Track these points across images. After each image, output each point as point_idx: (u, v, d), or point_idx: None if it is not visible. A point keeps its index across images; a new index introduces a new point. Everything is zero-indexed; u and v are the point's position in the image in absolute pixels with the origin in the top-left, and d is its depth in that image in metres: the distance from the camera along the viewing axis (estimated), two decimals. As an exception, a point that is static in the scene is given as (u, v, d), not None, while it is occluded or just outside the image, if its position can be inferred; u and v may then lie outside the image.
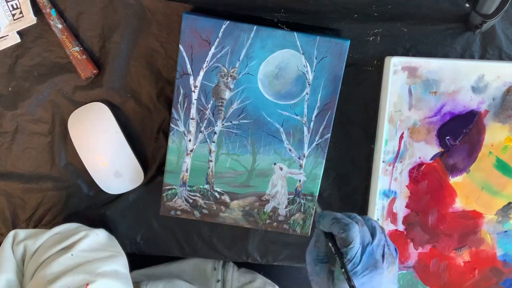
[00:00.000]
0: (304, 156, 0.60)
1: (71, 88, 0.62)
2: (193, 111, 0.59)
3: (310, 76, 0.58)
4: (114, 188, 0.63)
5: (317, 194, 0.62)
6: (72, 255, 0.52)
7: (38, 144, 0.63)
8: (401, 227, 0.64)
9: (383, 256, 0.46)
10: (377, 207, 0.63)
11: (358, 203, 0.65)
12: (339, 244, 0.46)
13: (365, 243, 0.46)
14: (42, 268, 0.51)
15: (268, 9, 0.58)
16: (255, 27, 0.56)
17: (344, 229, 0.45)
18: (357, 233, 0.45)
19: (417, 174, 0.62)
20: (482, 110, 0.60)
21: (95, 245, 0.56)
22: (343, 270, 0.44)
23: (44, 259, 0.52)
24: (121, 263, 0.55)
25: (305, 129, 0.59)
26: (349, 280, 0.43)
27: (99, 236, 0.58)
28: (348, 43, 0.57)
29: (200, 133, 0.60)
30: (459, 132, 0.61)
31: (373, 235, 0.47)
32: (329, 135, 0.60)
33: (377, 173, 0.62)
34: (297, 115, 0.59)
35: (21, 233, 0.56)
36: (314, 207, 0.61)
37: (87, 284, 0.49)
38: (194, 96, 0.58)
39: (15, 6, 0.58)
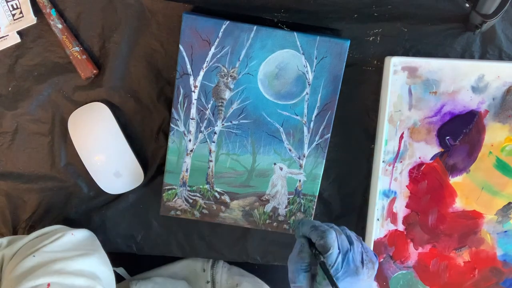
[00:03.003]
0: (304, 156, 0.60)
1: (71, 88, 0.62)
2: (193, 111, 0.59)
3: (310, 76, 0.58)
4: (114, 188, 0.63)
5: (317, 194, 0.62)
6: (34, 256, 0.52)
7: (38, 144, 0.63)
8: (401, 227, 0.64)
9: (362, 262, 0.49)
10: (377, 207, 0.63)
11: (358, 203, 0.65)
12: (321, 251, 0.48)
13: (345, 250, 0.48)
14: (9, 273, 0.51)
15: (268, 9, 0.58)
16: (255, 27, 0.56)
17: (321, 236, 0.48)
18: (335, 239, 0.48)
19: (417, 174, 0.62)
20: (482, 110, 0.60)
21: (68, 245, 0.56)
22: (326, 275, 0.46)
23: (15, 265, 0.52)
24: (93, 262, 0.55)
25: (305, 129, 0.59)
26: (333, 283, 0.45)
27: (76, 236, 0.58)
28: (348, 43, 0.57)
29: (200, 133, 0.60)
30: (459, 132, 0.61)
31: (350, 243, 0.49)
32: (329, 135, 0.60)
33: (377, 173, 0.62)
34: (297, 115, 0.59)
35: (4, 240, 0.56)
36: (296, 216, 0.62)
37: (48, 284, 0.49)
38: (194, 96, 0.58)
39: (15, 6, 0.58)
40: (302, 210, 0.62)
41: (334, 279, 0.46)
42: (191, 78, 0.58)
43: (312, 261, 0.49)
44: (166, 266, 0.75)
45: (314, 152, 0.60)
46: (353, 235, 0.51)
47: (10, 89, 0.61)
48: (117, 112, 0.62)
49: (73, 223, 0.66)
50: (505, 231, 0.63)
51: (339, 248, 0.48)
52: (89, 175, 0.63)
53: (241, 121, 0.59)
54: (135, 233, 0.66)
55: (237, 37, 0.56)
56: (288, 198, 0.62)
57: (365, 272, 0.48)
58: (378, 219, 0.63)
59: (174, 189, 0.61)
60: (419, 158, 0.62)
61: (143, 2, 0.59)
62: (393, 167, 0.62)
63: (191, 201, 0.62)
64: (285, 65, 0.57)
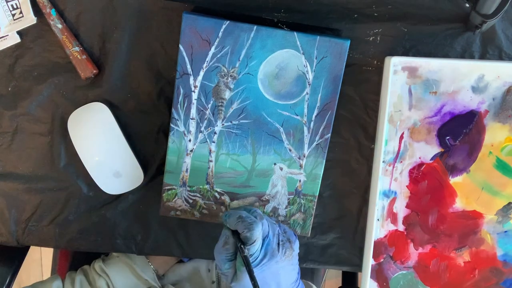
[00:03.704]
0: (304, 156, 0.60)
1: (71, 88, 0.62)
2: (193, 111, 0.59)
3: (310, 76, 0.58)
4: (114, 188, 0.63)
5: (317, 194, 0.62)
6: None
7: (38, 144, 0.63)
8: (401, 227, 0.64)
9: (278, 244, 0.51)
10: (377, 207, 0.63)
11: (358, 203, 0.65)
12: (245, 241, 0.50)
13: (264, 236, 0.50)
14: None
15: (268, 9, 0.58)
16: (255, 27, 0.56)
17: (248, 228, 0.49)
18: (260, 231, 0.50)
19: (417, 174, 0.62)
20: (482, 110, 0.60)
21: None
22: (246, 268, 0.48)
23: None
24: None
25: (305, 129, 0.59)
26: (251, 275, 0.47)
27: None
28: (348, 43, 0.57)
29: (200, 133, 0.60)
30: (459, 132, 0.61)
31: (269, 228, 0.51)
32: (329, 135, 0.60)
33: (377, 173, 0.62)
34: (297, 115, 0.59)
35: None
36: (227, 206, 0.62)
37: None
38: (194, 96, 0.58)
39: (15, 6, 0.58)
40: (302, 210, 0.62)
41: (252, 265, 0.49)
42: (191, 78, 0.58)
43: (236, 250, 0.51)
44: (172, 268, 0.75)
45: (314, 152, 0.60)
46: (266, 217, 0.52)
47: (10, 89, 0.61)
48: (117, 112, 0.62)
49: (73, 224, 0.66)
50: (505, 231, 0.63)
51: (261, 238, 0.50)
52: (89, 175, 0.62)
53: (241, 121, 0.59)
54: (135, 234, 0.66)
55: (237, 37, 0.56)
56: (288, 198, 0.62)
57: (281, 254, 0.51)
58: (378, 219, 0.63)
59: (174, 189, 0.61)
60: (419, 158, 0.62)
61: (143, 2, 0.59)
62: (393, 167, 0.62)
63: (191, 201, 0.62)
64: (285, 65, 0.57)
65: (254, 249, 0.49)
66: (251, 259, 0.49)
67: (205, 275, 0.73)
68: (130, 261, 0.70)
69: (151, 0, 0.59)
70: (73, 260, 0.82)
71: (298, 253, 0.53)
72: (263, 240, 0.50)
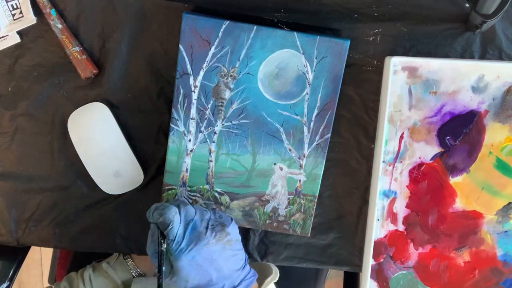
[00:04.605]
0: (304, 156, 0.60)
1: (71, 88, 0.62)
2: (193, 111, 0.59)
3: (310, 76, 0.58)
4: (114, 188, 0.63)
5: (317, 194, 0.62)
6: None
7: (38, 144, 0.63)
8: (401, 227, 0.64)
9: (207, 228, 0.50)
10: (377, 207, 0.63)
11: (358, 203, 0.65)
12: (162, 229, 0.49)
13: (187, 221, 0.49)
14: None
15: (268, 9, 0.58)
16: (255, 27, 0.56)
17: (161, 213, 0.49)
18: (174, 214, 0.49)
19: (417, 174, 0.62)
20: (482, 110, 0.60)
21: None
22: (158, 259, 0.48)
23: None
24: None
25: (305, 129, 0.59)
26: (159, 269, 0.47)
27: None
28: (348, 43, 0.57)
29: (200, 133, 0.60)
30: (459, 132, 0.61)
31: (195, 213, 0.51)
32: (329, 135, 0.60)
33: (377, 173, 0.62)
34: (297, 115, 0.59)
35: None
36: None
37: None
38: (194, 96, 0.58)
39: (15, 6, 0.58)
40: (302, 210, 0.62)
41: (179, 251, 0.48)
42: (191, 78, 0.58)
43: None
44: None
45: (314, 152, 0.60)
46: (198, 206, 0.52)
47: (10, 89, 0.61)
48: (117, 112, 0.62)
49: (73, 224, 0.66)
50: (505, 231, 0.63)
51: (181, 221, 0.49)
52: (89, 175, 0.63)
53: (241, 121, 0.59)
54: (135, 234, 0.66)
55: (237, 37, 0.56)
56: (288, 198, 0.62)
57: (210, 236, 0.49)
58: (378, 219, 0.63)
59: (174, 189, 0.61)
60: (419, 158, 0.62)
61: (143, 2, 0.59)
62: (393, 167, 0.62)
63: (191, 201, 0.62)
64: (285, 65, 0.57)
65: (174, 233, 0.48)
66: (174, 245, 0.48)
67: None
68: (117, 276, 0.67)
69: (151, 0, 0.59)
70: (74, 260, 0.82)
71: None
72: (188, 224, 0.49)
